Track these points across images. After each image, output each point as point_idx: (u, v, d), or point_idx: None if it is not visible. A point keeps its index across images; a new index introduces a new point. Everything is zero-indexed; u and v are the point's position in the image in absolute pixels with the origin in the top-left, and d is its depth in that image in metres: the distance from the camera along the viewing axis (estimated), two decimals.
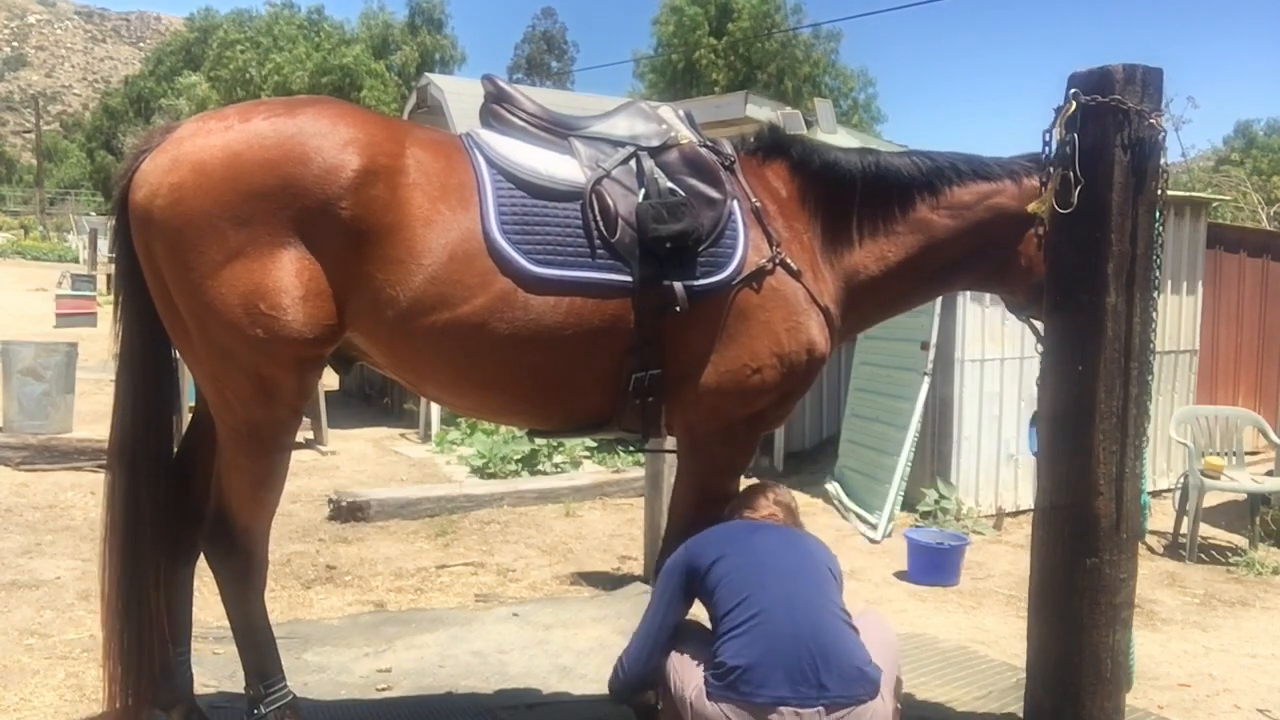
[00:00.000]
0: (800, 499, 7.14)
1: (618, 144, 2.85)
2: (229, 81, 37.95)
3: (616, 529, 6.05)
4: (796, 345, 2.87)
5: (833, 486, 6.96)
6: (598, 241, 2.67)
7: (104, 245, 28.51)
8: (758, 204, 2.90)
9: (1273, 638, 4.66)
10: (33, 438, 7.21)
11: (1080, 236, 2.70)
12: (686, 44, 35.66)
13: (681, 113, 3.03)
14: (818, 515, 6.52)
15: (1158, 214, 2.72)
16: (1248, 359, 8.97)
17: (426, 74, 19.40)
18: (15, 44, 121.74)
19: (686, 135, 2.92)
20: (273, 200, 2.43)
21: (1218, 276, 8.49)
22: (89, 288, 19.20)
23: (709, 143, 2.97)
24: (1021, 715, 3.08)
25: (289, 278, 2.44)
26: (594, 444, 8.09)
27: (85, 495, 6.24)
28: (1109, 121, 2.64)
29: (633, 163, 2.81)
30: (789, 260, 2.86)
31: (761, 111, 8.05)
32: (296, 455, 7.80)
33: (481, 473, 7.44)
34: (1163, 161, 2.72)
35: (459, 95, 14.72)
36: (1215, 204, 9.16)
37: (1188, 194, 8.10)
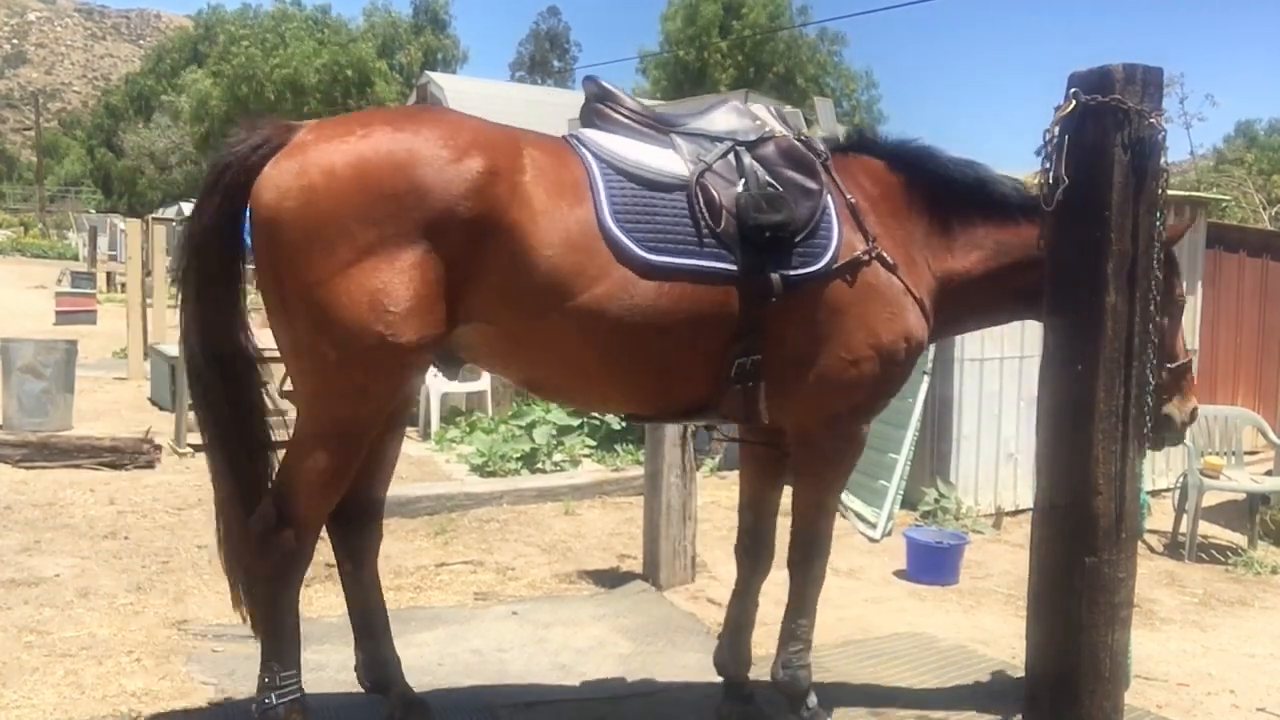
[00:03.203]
0: None
1: (716, 139, 2.93)
2: (233, 77, 37.90)
3: (616, 527, 6.05)
4: (893, 336, 2.96)
5: None
6: (704, 230, 2.76)
7: (103, 243, 28.59)
8: (852, 199, 2.99)
9: (1271, 637, 4.66)
10: (32, 435, 7.20)
11: (1080, 236, 2.71)
12: (695, 43, 35.65)
13: (774, 109, 3.13)
14: None
15: (1158, 214, 2.73)
16: (1247, 359, 8.97)
17: (427, 72, 19.44)
18: (15, 41, 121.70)
19: (781, 131, 3.02)
20: (400, 201, 2.52)
21: (1217, 276, 8.48)
22: (89, 285, 19.21)
23: (803, 139, 3.06)
24: (1021, 715, 3.09)
25: (415, 278, 2.53)
26: (594, 443, 8.10)
27: (85, 493, 6.24)
28: (1109, 121, 2.64)
29: (731, 157, 2.90)
30: (884, 254, 2.95)
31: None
32: None
33: (481, 471, 7.44)
34: (1163, 161, 2.72)
35: (459, 94, 14.71)
36: (1224, 204, 9.15)
37: (1188, 194, 8.09)
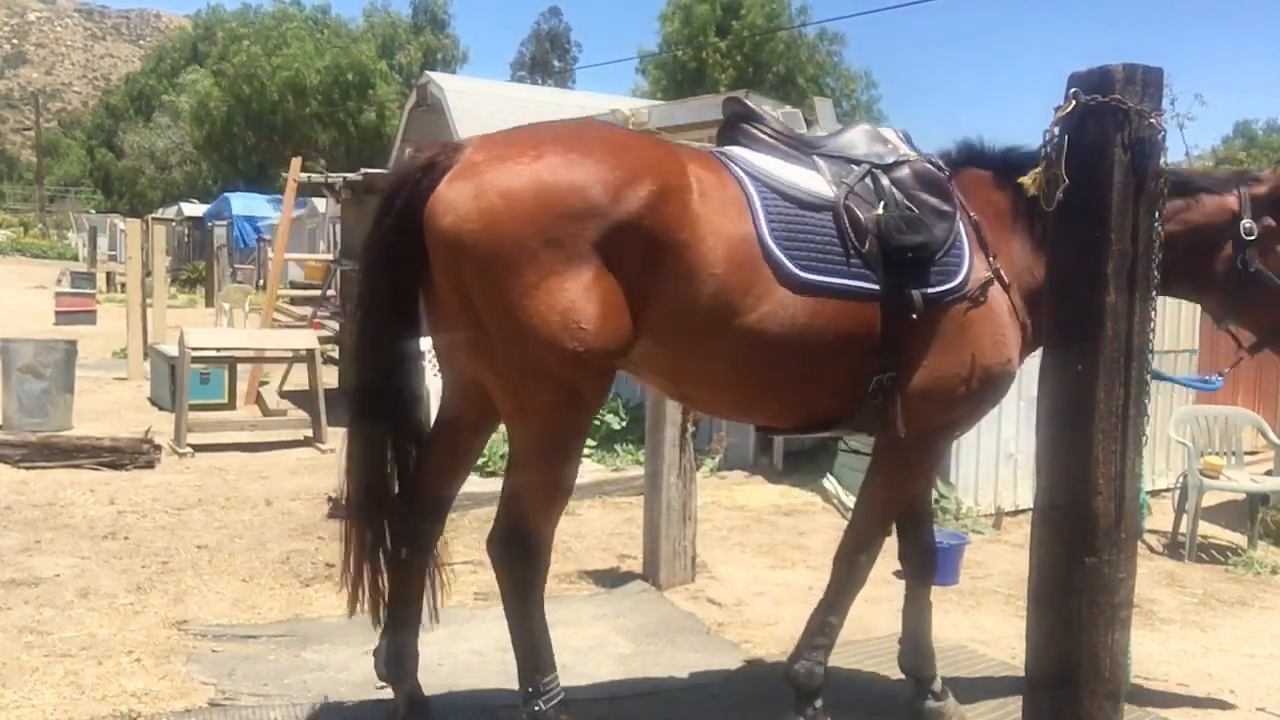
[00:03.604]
0: (799, 497, 7.20)
1: (855, 162, 3.03)
2: (233, 77, 37.90)
3: (616, 527, 6.05)
4: (998, 357, 3.04)
5: (831, 485, 6.96)
6: (851, 250, 2.85)
7: (103, 243, 28.60)
8: (976, 217, 3.08)
9: (1271, 637, 4.66)
10: (32, 435, 7.20)
11: (1080, 236, 2.70)
12: (693, 43, 35.67)
13: (901, 134, 3.23)
14: (816, 514, 6.52)
15: (1158, 214, 2.72)
16: (1247, 359, 8.94)
17: (427, 72, 19.45)
18: (15, 41, 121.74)
19: (914, 155, 3.11)
20: (580, 222, 2.57)
21: None
22: (88, 285, 19.20)
23: (929, 160, 3.14)
24: (1020, 715, 3.08)
25: (598, 293, 2.59)
26: (594, 443, 8.09)
27: (84, 493, 6.24)
28: (1109, 121, 2.64)
29: (869, 179, 2.99)
30: (1003, 273, 3.05)
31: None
32: (295, 453, 7.84)
33: (481, 471, 7.42)
34: (1163, 161, 2.72)
35: (458, 94, 14.71)
36: None
37: None
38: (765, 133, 3.07)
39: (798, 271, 2.76)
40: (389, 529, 3.05)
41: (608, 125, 3.00)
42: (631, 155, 2.69)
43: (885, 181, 2.99)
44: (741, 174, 2.86)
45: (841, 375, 2.92)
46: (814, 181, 2.94)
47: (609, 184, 2.61)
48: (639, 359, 2.85)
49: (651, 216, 2.62)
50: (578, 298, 2.56)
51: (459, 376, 3.03)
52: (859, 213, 2.89)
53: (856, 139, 3.12)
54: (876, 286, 2.86)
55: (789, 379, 2.90)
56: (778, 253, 2.75)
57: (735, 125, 3.12)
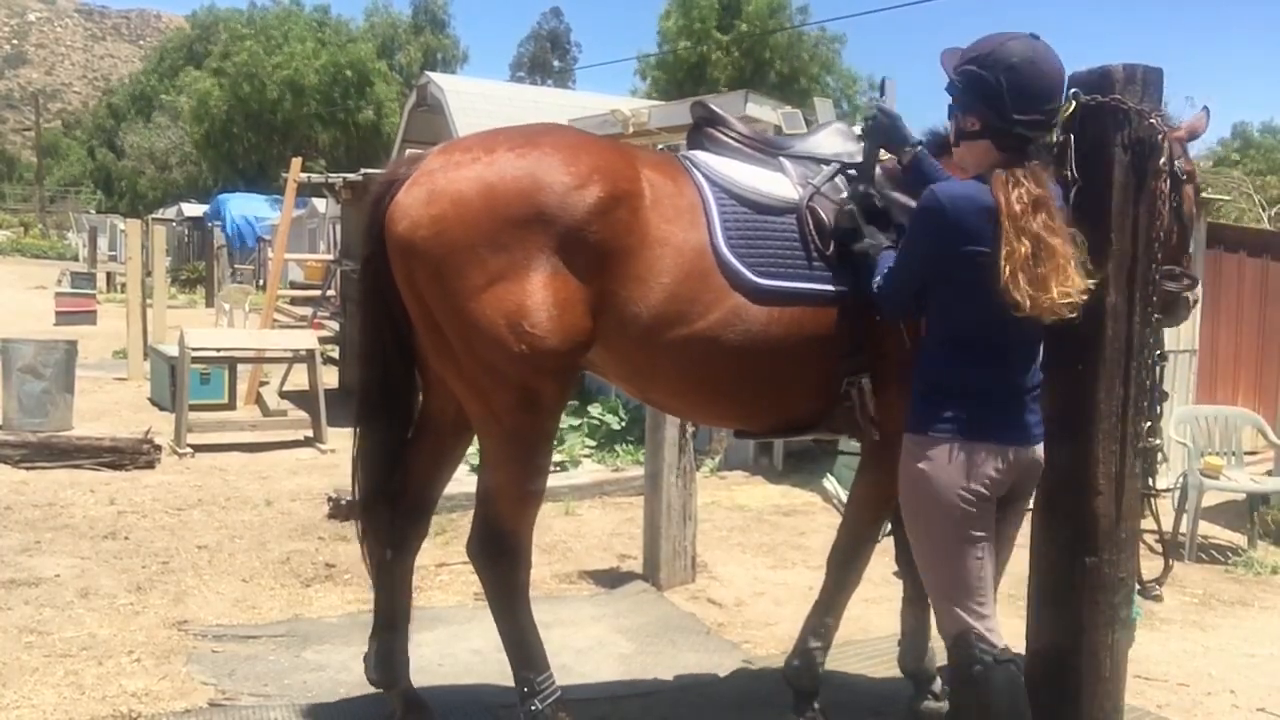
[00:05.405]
0: (799, 497, 7.17)
1: (823, 162, 2.98)
2: (234, 76, 37.88)
3: (616, 528, 6.05)
4: None
5: (830, 484, 6.95)
6: (814, 254, 2.81)
7: (103, 243, 28.58)
8: None
9: (1271, 637, 4.66)
10: (32, 435, 7.19)
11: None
12: (691, 36, 35.56)
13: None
14: (816, 514, 6.52)
15: (1158, 214, 2.72)
16: (1247, 359, 8.94)
17: (426, 73, 19.44)
18: (15, 41, 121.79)
19: (885, 153, 3.06)
20: (527, 227, 2.59)
21: (1217, 276, 8.47)
22: (89, 286, 19.18)
23: None
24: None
25: (547, 297, 2.59)
26: (594, 443, 8.09)
27: (85, 493, 6.24)
28: (1109, 121, 2.64)
29: (838, 179, 2.94)
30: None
31: (762, 110, 8.02)
32: (295, 453, 7.83)
33: None
34: (1162, 161, 2.72)
35: (458, 94, 14.73)
36: (1219, 205, 9.13)
37: None
38: (730, 136, 3.03)
39: (755, 278, 2.73)
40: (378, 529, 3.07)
41: (568, 128, 2.98)
42: (583, 160, 2.67)
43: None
44: (701, 179, 2.82)
45: (811, 378, 2.88)
46: (777, 184, 2.89)
47: (557, 189, 2.60)
48: (599, 361, 2.84)
49: (599, 221, 2.61)
50: (525, 301, 2.57)
51: (433, 380, 3.03)
52: (824, 214, 2.83)
53: (826, 138, 3.08)
54: (842, 288, 2.80)
55: (752, 383, 2.85)
56: (733, 260, 2.72)
57: (700, 129, 3.08)
